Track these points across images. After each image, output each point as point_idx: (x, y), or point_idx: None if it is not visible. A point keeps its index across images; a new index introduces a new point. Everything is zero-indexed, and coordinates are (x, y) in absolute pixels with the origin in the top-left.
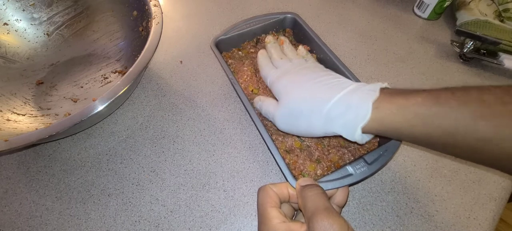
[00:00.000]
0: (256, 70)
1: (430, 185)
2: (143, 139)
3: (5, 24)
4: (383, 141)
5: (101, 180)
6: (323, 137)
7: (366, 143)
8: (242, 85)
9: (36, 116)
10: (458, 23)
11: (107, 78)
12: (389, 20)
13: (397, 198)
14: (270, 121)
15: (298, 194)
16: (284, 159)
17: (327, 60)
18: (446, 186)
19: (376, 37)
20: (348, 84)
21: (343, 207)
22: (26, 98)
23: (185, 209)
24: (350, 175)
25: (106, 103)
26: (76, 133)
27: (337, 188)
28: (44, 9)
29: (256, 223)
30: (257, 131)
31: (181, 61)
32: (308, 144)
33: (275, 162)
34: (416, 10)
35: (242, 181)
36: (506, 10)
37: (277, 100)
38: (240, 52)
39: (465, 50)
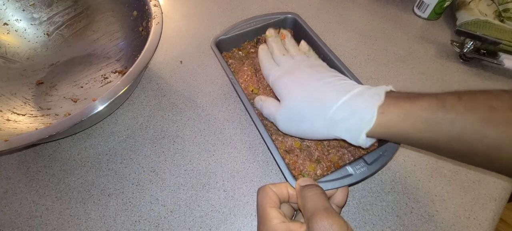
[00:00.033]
0: (256, 70)
1: (430, 185)
2: (143, 139)
3: (5, 24)
4: (383, 142)
5: (101, 180)
6: None
7: (369, 146)
8: (242, 85)
9: (36, 116)
10: (458, 23)
11: (107, 78)
12: (389, 20)
13: (397, 198)
14: (271, 122)
15: (298, 194)
16: (284, 159)
17: (327, 60)
18: (446, 186)
19: (376, 37)
20: (353, 87)
21: (342, 207)
22: (26, 98)
23: (185, 209)
24: (350, 175)
25: (106, 103)
26: (76, 133)
27: (337, 188)
28: (44, 9)
29: (256, 223)
30: (257, 131)
31: (181, 61)
32: (308, 144)
33: (275, 162)
34: (416, 10)
35: (242, 181)
36: (506, 10)
37: (278, 100)
38: (240, 52)
39: (465, 50)
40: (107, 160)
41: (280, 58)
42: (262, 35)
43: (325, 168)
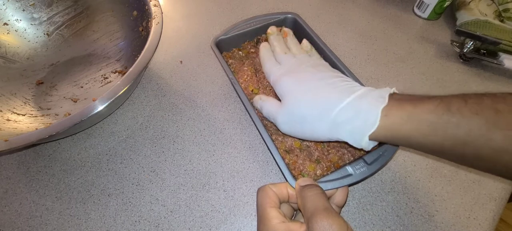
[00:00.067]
0: (256, 70)
1: (430, 185)
2: (143, 139)
3: (5, 24)
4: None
5: (101, 180)
6: None
7: (372, 149)
8: (242, 85)
9: (36, 116)
10: (458, 23)
11: (107, 78)
12: (389, 20)
13: (397, 198)
14: (271, 122)
15: (298, 194)
16: (283, 159)
17: (327, 60)
18: (446, 186)
19: (376, 37)
20: (356, 89)
21: (342, 207)
22: (26, 98)
23: (185, 209)
24: (350, 175)
25: (106, 103)
26: (76, 133)
27: (337, 188)
28: (44, 9)
29: (256, 223)
30: (257, 131)
31: (181, 61)
32: (307, 144)
33: (275, 162)
34: (416, 10)
35: (242, 181)
36: (506, 10)
37: (279, 100)
38: (240, 52)
39: (465, 50)
40: (107, 160)
41: (281, 56)
42: (262, 35)
43: (325, 168)
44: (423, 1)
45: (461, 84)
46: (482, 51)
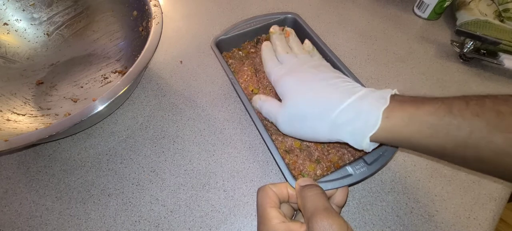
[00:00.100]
0: (257, 70)
1: (430, 185)
2: (143, 139)
3: (5, 24)
4: None
5: (101, 180)
6: None
7: (372, 149)
8: (242, 85)
9: (36, 116)
10: (458, 23)
11: (107, 78)
12: (389, 20)
13: (397, 198)
14: (271, 122)
15: (298, 194)
16: (283, 159)
17: (328, 61)
18: (446, 186)
19: (376, 37)
20: (357, 90)
21: (342, 207)
22: (26, 98)
23: (185, 209)
24: (350, 175)
25: (106, 103)
26: (76, 133)
27: (337, 188)
28: (44, 9)
29: (256, 223)
30: (257, 131)
31: (181, 61)
32: (307, 144)
33: (275, 162)
34: (416, 10)
35: (242, 181)
36: (506, 10)
37: (279, 99)
38: (240, 52)
39: (465, 50)
40: (107, 160)
41: (283, 56)
42: (262, 35)
43: (325, 168)
44: (423, 1)
45: (461, 84)
46: (482, 51)
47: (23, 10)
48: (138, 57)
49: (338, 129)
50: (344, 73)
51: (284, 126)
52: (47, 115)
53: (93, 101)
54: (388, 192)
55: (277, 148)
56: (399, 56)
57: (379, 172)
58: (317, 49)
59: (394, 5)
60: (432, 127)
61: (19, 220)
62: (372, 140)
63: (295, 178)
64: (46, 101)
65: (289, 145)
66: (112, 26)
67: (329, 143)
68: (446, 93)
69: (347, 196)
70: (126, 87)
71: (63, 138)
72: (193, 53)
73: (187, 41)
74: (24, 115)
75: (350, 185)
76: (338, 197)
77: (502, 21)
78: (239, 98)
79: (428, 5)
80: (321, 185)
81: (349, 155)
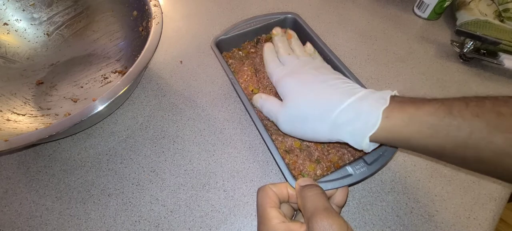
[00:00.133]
0: (257, 70)
1: (430, 185)
2: (143, 139)
3: (5, 24)
4: None
5: (101, 180)
6: None
7: (372, 151)
8: (242, 85)
9: (36, 116)
10: (458, 23)
11: (107, 78)
12: (389, 20)
13: (397, 198)
14: (271, 121)
15: (298, 194)
16: (283, 159)
17: (327, 61)
18: (446, 186)
19: (376, 37)
20: (358, 91)
21: (342, 207)
22: (26, 98)
23: (185, 209)
24: (350, 175)
25: (106, 103)
26: (76, 133)
27: (337, 188)
28: (44, 9)
29: (256, 223)
30: (257, 131)
31: (181, 61)
32: (307, 144)
33: (275, 162)
34: (416, 10)
35: (242, 181)
36: (506, 10)
37: (280, 99)
38: (240, 52)
39: (465, 50)
40: (107, 160)
41: (285, 57)
42: (262, 35)
43: (325, 168)
44: (423, 1)
45: (461, 84)
46: (482, 51)
47: (23, 10)
48: (138, 57)
49: (338, 129)
50: (344, 75)
51: (285, 125)
52: (47, 115)
53: (93, 101)
54: (388, 192)
55: (277, 148)
56: (399, 56)
57: (379, 172)
58: (317, 49)
59: (394, 5)
60: (432, 127)
61: (19, 220)
62: (372, 140)
63: (295, 178)
64: (46, 101)
65: (289, 145)
66: (112, 26)
67: (329, 143)
68: (446, 93)
69: (347, 196)
70: (126, 87)
71: (63, 138)
72: (193, 53)
73: (187, 41)
74: (24, 115)
75: (350, 185)
76: (338, 197)
77: (502, 21)
78: (239, 98)
79: (428, 5)
80: (321, 185)
81: (349, 155)
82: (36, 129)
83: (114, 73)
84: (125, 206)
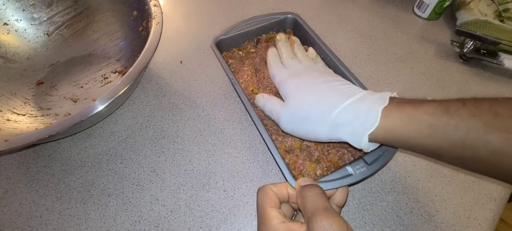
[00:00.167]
0: (257, 70)
1: (430, 185)
2: (143, 139)
3: (5, 24)
4: None
5: (101, 180)
6: None
7: (371, 151)
8: (242, 85)
9: (36, 116)
10: (458, 23)
11: (107, 78)
12: (389, 20)
13: (397, 198)
14: (272, 120)
15: (298, 194)
16: (283, 159)
17: (327, 61)
18: (446, 186)
19: (376, 37)
20: (357, 92)
21: (342, 207)
22: (26, 98)
23: (185, 209)
24: (350, 175)
25: (106, 103)
26: (76, 133)
27: (337, 188)
28: (44, 9)
29: (256, 223)
30: (257, 131)
31: (181, 61)
32: (307, 144)
33: (275, 162)
34: (416, 10)
35: (242, 181)
36: (506, 10)
37: (282, 100)
38: (240, 52)
39: (465, 50)
40: (107, 160)
41: (288, 61)
42: (262, 35)
43: (325, 168)
44: (423, 1)
45: (461, 84)
46: (482, 51)
47: (23, 10)
48: (138, 57)
49: (338, 128)
50: (345, 76)
51: (286, 125)
52: (47, 115)
53: (93, 101)
54: (388, 192)
55: (277, 148)
56: (399, 56)
57: (379, 172)
58: (317, 49)
59: (394, 5)
60: (431, 127)
61: (19, 220)
62: (370, 139)
63: (295, 178)
64: (46, 101)
65: (289, 145)
66: (112, 26)
67: (329, 142)
68: (446, 93)
69: (347, 196)
70: (126, 87)
71: (63, 138)
72: (193, 53)
73: (187, 41)
74: (24, 115)
75: (350, 185)
76: (338, 197)
77: (502, 21)
78: (239, 98)
79: (428, 5)
80: (321, 185)
81: (349, 155)
82: (36, 129)
83: (114, 73)
84: (125, 206)
